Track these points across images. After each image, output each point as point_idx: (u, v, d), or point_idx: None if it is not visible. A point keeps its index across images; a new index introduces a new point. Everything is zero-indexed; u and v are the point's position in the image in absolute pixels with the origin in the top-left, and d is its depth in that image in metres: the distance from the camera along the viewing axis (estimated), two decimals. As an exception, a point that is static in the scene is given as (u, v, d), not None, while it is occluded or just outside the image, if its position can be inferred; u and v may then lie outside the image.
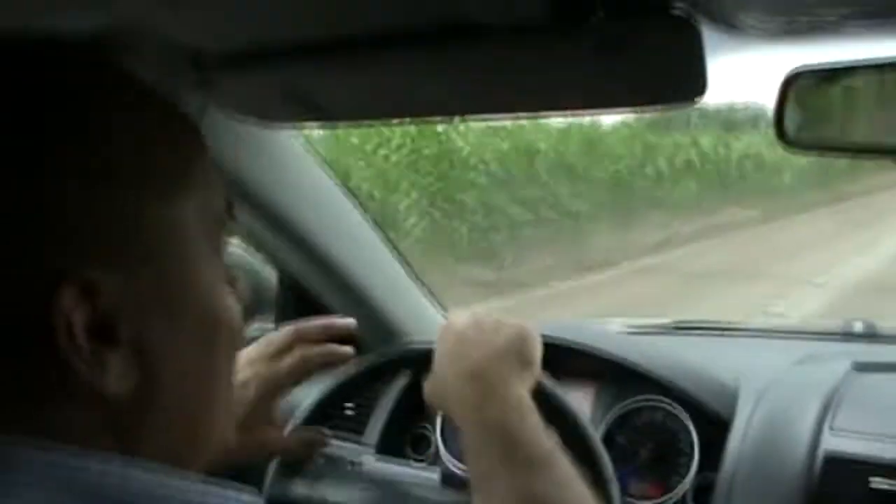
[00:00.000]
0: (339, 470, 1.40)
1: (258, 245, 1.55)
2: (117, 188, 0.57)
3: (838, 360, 1.43)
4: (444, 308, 1.72)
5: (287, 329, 1.21)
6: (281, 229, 1.44)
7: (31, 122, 0.56)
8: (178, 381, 0.61)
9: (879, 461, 1.16)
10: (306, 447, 1.25)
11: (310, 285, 1.58)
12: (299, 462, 1.30)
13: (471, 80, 0.94)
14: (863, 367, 1.40)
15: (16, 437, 0.54)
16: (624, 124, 14.86)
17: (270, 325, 1.68)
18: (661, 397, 1.34)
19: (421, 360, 1.15)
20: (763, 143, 15.88)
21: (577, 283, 10.24)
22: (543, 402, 1.06)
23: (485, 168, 11.35)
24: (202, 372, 0.63)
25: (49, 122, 0.56)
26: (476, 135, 11.51)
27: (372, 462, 1.42)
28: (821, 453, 1.18)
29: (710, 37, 0.73)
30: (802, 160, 15.26)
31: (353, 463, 1.41)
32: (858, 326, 1.74)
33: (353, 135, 9.74)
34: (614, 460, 1.26)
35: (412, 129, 10.07)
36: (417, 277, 1.69)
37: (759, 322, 3.54)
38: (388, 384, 1.51)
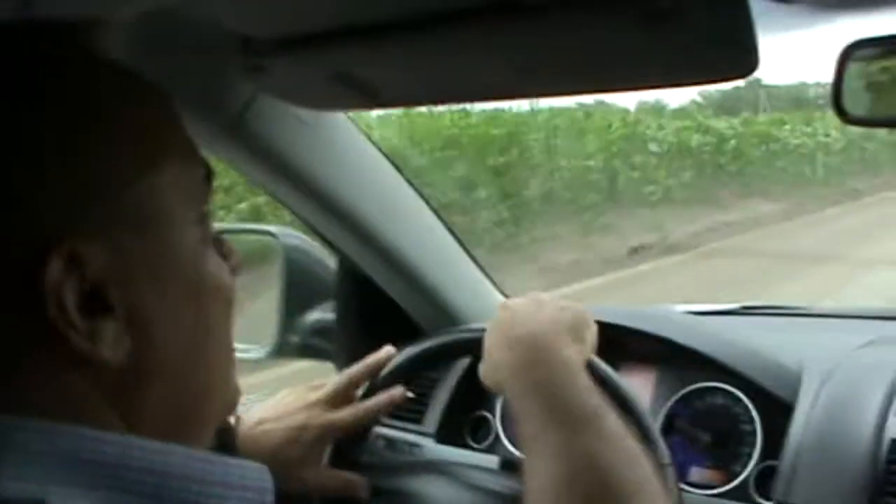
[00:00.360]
0: (398, 455, 1.40)
1: (316, 232, 1.55)
2: (97, 160, 0.58)
3: (904, 343, 1.40)
4: (505, 293, 1.71)
5: (343, 377, 1.28)
6: (338, 215, 1.44)
7: (11, 98, 0.57)
8: (171, 345, 0.61)
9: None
10: (349, 488, 1.26)
11: (369, 271, 1.59)
12: (356, 448, 1.30)
13: (520, 60, 0.93)
14: (930, 351, 1.36)
15: (9, 416, 0.54)
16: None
17: (330, 314, 1.69)
18: (722, 382, 1.31)
19: (479, 345, 1.14)
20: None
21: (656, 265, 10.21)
22: (596, 381, 1.04)
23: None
24: (195, 335, 0.64)
25: (27, 98, 0.57)
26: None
27: (431, 446, 1.42)
28: (886, 439, 1.15)
29: (768, 11, 0.72)
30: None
31: (411, 447, 1.41)
32: (926, 309, 1.70)
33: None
34: (675, 446, 1.24)
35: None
36: (477, 262, 1.68)
37: (824, 305, 3.46)
38: (446, 370, 1.51)
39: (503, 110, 11.79)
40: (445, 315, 1.60)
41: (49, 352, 0.56)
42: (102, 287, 0.56)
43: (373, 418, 1.28)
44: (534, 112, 12.32)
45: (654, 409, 1.34)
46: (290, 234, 1.68)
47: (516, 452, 1.36)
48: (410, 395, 1.49)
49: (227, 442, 1.15)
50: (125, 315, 0.58)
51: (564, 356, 1.03)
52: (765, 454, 1.25)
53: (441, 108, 10.82)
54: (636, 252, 10.69)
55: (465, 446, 1.45)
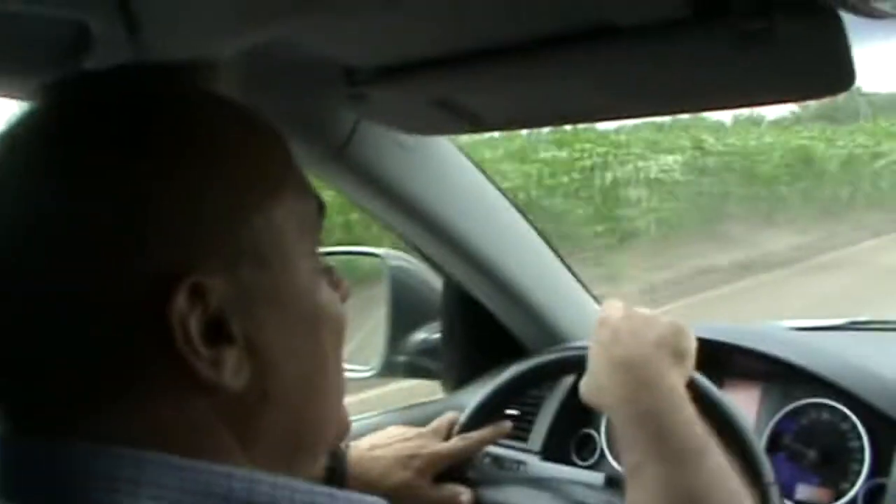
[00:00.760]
0: (503, 471, 1.41)
1: (421, 252, 1.58)
2: (219, 196, 0.60)
3: None
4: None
5: (451, 415, 1.35)
6: (442, 236, 1.47)
7: (139, 136, 0.59)
8: (287, 374, 0.63)
9: None
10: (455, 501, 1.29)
11: (473, 291, 1.61)
12: (462, 464, 1.32)
13: (617, 82, 0.94)
14: None
15: (138, 448, 0.56)
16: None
17: (436, 333, 1.72)
18: (829, 398, 1.30)
19: (583, 363, 1.15)
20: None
21: (758, 281, 10.02)
22: (698, 398, 1.04)
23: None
24: (310, 365, 0.65)
25: (142, 140, 0.59)
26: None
27: (536, 464, 1.43)
28: None
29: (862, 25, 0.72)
30: None
31: (517, 464, 1.43)
32: None
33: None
34: (780, 463, 1.23)
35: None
36: (580, 280, 1.69)
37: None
38: (551, 387, 1.51)
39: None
40: (549, 333, 1.61)
41: (175, 381, 0.57)
42: (224, 317, 0.58)
43: (478, 449, 1.33)
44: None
45: (758, 426, 1.32)
46: (395, 256, 1.71)
47: (621, 469, 1.36)
48: (516, 412, 1.51)
49: (338, 466, 1.19)
50: (245, 344, 0.59)
51: (669, 383, 1.03)
52: (873, 472, 1.23)
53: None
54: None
55: (571, 463, 1.46)
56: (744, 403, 1.33)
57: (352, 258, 1.83)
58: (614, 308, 1.15)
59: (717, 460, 0.96)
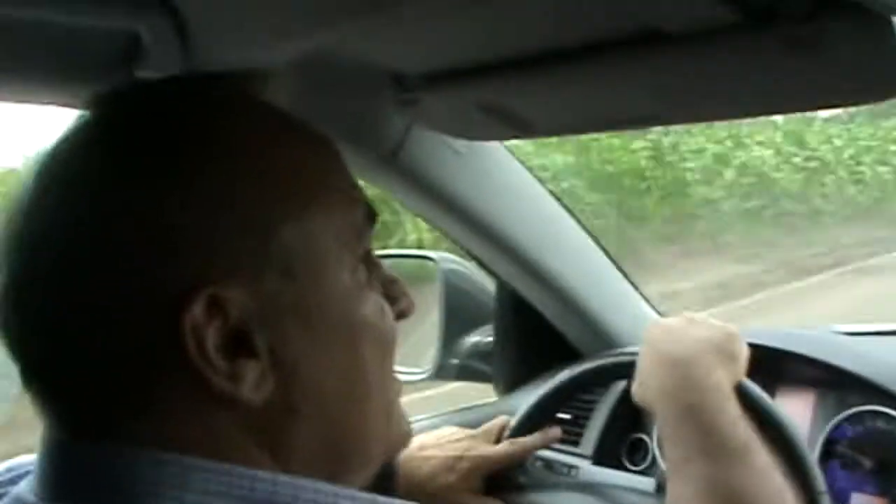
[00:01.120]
0: (554, 475, 1.41)
1: (474, 256, 1.58)
2: (245, 207, 0.59)
3: None
4: (661, 314, 1.70)
5: (502, 418, 1.35)
6: (495, 240, 1.48)
7: (171, 145, 0.60)
8: (320, 387, 0.62)
9: None
10: None
11: (526, 295, 1.61)
12: (512, 469, 1.33)
13: (666, 88, 0.94)
14: None
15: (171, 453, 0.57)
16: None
17: (489, 337, 1.72)
18: (884, 405, 1.27)
19: (635, 368, 1.15)
20: None
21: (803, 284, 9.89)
22: (747, 403, 1.04)
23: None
24: (346, 378, 0.64)
25: (184, 146, 0.60)
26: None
27: (588, 468, 1.42)
28: None
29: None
30: None
31: (568, 468, 1.42)
32: None
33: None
34: (835, 471, 1.21)
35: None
36: (634, 284, 1.68)
37: None
38: (603, 392, 1.51)
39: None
40: (602, 338, 1.61)
41: (193, 393, 0.57)
42: (246, 330, 0.58)
43: (527, 454, 1.33)
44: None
45: (812, 433, 1.31)
46: (448, 259, 1.72)
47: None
48: (567, 417, 1.51)
49: (386, 465, 1.20)
50: (270, 357, 0.59)
51: (715, 380, 1.03)
52: None
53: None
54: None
55: (622, 468, 1.45)
56: (798, 410, 1.32)
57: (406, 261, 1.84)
58: (670, 318, 1.15)
59: (762, 459, 0.95)
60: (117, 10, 0.88)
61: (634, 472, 1.44)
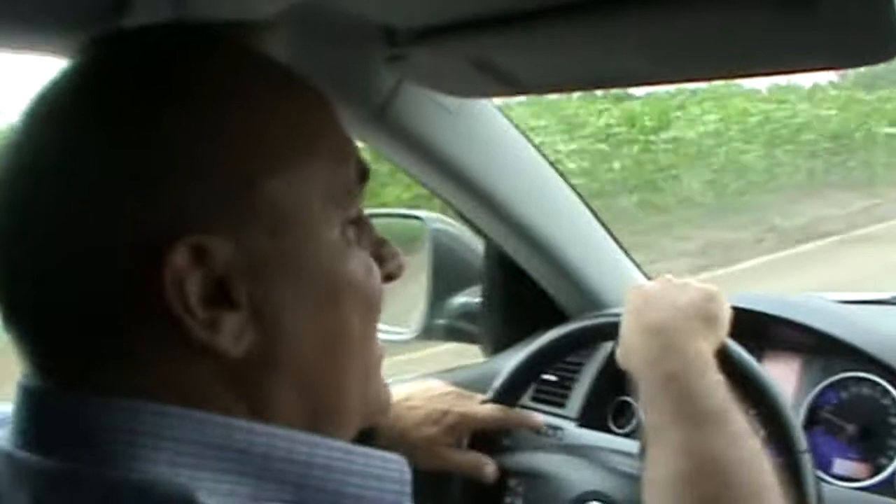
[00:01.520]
0: (539, 437, 1.41)
1: (463, 216, 1.58)
2: (231, 158, 0.58)
3: None
4: (648, 276, 1.69)
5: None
6: (484, 200, 1.47)
7: (146, 88, 0.59)
8: (300, 342, 0.61)
9: None
10: (478, 468, 1.30)
11: (514, 255, 1.60)
12: (498, 431, 1.33)
13: (658, 46, 0.93)
14: None
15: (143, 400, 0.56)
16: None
17: (477, 297, 1.71)
18: (870, 372, 1.27)
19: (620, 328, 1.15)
20: None
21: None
22: (731, 365, 1.04)
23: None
24: (327, 335, 0.63)
25: (173, 93, 0.59)
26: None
27: (573, 430, 1.42)
28: None
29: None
30: None
31: (553, 430, 1.42)
32: None
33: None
34: (818, 436, 1.21)
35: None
36: (622, 246, 1.67)
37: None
38: (589, 354, 1.51)
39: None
40: (590, 299, 1.60)
41: (173, 341, 0.57)
42: (228, 281, 0.57)
43: (502, 425, 1.35)
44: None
45: (797, 398, 1.31)
46: (436, 219, 1.71)
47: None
48: (553, 378, 1.51)
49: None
50: (251, 309, 0.58)
51: (696, 347, 1.03)
52: None
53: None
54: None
55: (607, 430, 1.45)
56: (783, 375, 1.32)
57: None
58: (651, 282, 1.16)
59: (739, 425, 0.95)
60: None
61: (619, 434, 1.44)
